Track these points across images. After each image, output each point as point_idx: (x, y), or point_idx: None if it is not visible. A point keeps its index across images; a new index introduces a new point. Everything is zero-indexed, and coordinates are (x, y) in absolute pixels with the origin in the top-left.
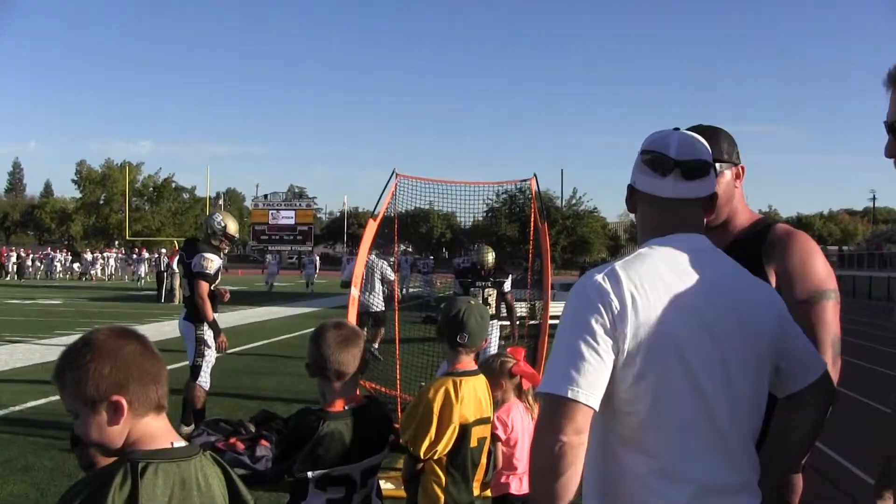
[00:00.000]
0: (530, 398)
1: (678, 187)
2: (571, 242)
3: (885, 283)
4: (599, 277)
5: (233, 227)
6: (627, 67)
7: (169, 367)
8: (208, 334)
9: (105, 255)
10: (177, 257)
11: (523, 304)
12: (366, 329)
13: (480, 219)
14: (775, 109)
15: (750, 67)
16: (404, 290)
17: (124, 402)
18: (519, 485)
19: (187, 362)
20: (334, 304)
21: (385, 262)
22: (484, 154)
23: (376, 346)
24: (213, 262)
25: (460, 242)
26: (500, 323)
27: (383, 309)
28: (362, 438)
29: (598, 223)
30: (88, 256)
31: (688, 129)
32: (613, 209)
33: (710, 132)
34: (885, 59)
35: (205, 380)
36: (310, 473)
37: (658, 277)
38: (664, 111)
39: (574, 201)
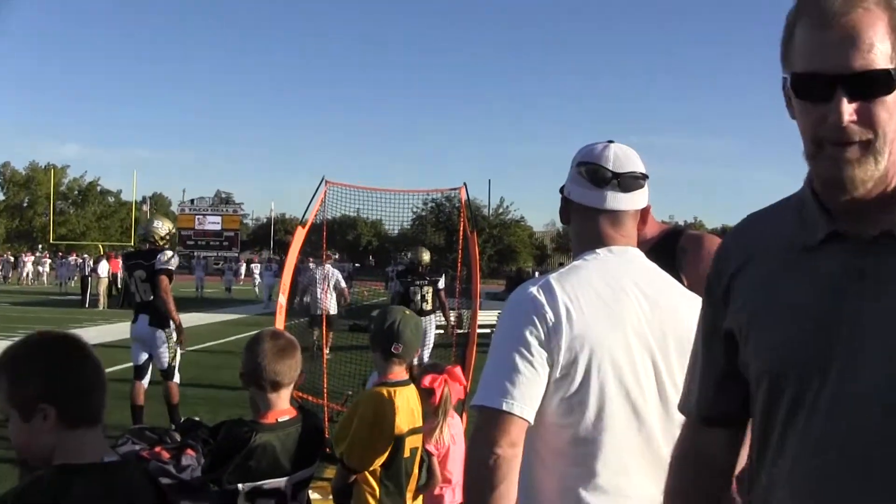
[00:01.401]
0: (449, 410)
1: (615, 199)
2: (498, 251)
3: None
4: (534, 290)
5: (171, 227)
6: (555, 77)
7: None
8: (174, 334)
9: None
10: (120, 267)
11: (452, 312)
12: (316, 330)
13: (408, 227)
14: (701, 121)
15: (680, 80)
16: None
17: (53, 411)
18: (452, 496)
19: (124, 366)
20: (261, 311)
21: (338, 272)
22: (412, 163)
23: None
24: (174, 258)
25: (387, 250)
26: (436, 318)
27: (334, 312)
28: (294, 451)
29: (525, 232)
30: (12, 259)
31: None
32: (540, 218)
33: None
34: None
35: (177, 378)
36: (240, 486)
37: (593, 290)
38: (593, 122)
39: (501, 210)
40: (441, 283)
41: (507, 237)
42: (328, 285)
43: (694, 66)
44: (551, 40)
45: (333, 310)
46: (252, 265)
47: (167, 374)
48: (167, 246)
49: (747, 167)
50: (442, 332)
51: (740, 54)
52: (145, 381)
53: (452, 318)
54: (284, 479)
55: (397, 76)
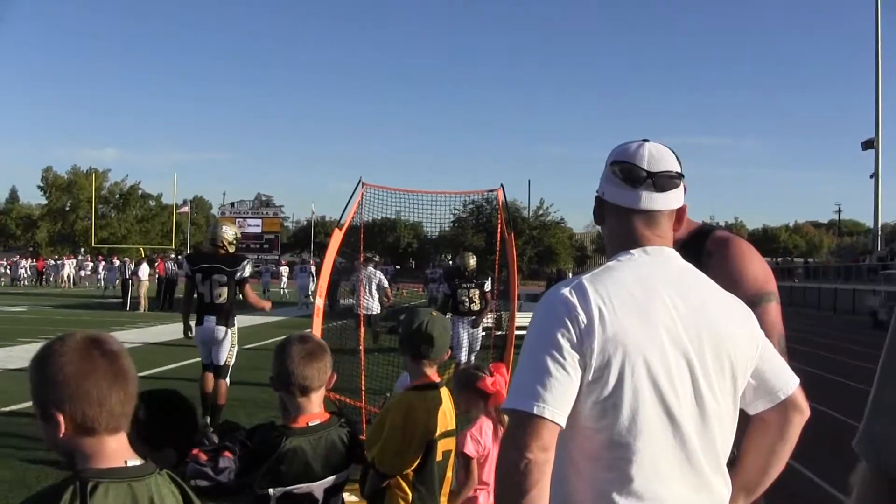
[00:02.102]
0: (496, 413)
1: (650, 199)
2: (538, 253)
3: (851, 295)
4: (566, 291)
5: (237, 232)
6: (594, 80)
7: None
8: (236, 337)
9: (68, 262)
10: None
11: (490, 314)
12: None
13: (447, 229)
14: (742, 122)
15: (715, 80)
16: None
17: (62, 418)
18: (487, 498)
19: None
20: (298, 314)
21: (381, 273)
22: (451, 164)
23: (376, 335)
24: (250, 265)
25: (427, 252)
26: (485, 319)
27: (378, 312)
28: (325, 456)
29: (565, 234)
30: (52, 262)
31: None
32: (580, 220)
33: None
34: (853, 72)
35: (228, 379)
36: (271, 490)
37: (626, 291)
38: (631, 124)
39: (541, 212)
40: (487, 286)
41: (547, 238)
42: (372, 286)
43: (733, 68)
44: (591, 40)
45: (376, 310)
46: (280, 267)
47: (221, 371)
48: (234, 250)
49: (786, 167)
50: (484, 333)
51: (781, 54)
52: (227, 379)
53: (490, 321)
54: (315, 483)
55: (437, 77)
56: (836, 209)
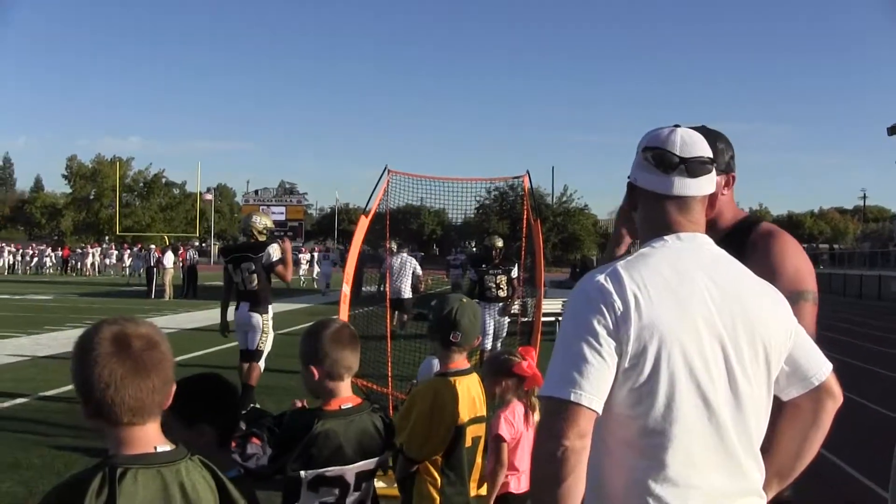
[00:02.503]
0: (533, 399)
1: (683, 185)
2: (562, 239)
3: (877, 282)
4: (601, 278)
5: (269, 223)
6: (617, 67)
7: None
8: (270, 323)
9: (93, 250)
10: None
11: (517, 301)
12: (396, 313)
13: (471, 216)
14: (766, 108)
15: (739, 65)
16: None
17: (91, 405)
18: (518, 484)
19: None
20: (323, 301)
21: (415, 260)
22: (474, 151)
23: (405, 322)
24: (278, 250)
25: (451, 239)
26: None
27: (410, 297)
28: (358, 440)
29: (589, 220)
30: (78, 251)
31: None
32: (604, 207)
33: (709, 139)
34: (879, 58)
35: (262, 363)
36: (302, 473)
37: (661, 278)
38: (653, 110)
39: (565, 198)
40: (515, 272)
41: (571, 225)
42: (406, 272)
43: (756, 53)
44: (618, 28)
45: (407, 294)
46: (300, 255)
47: (254, 355)
48: (264, 239)
49: (811, 153)
50: (510, 320)
51: (807, 39)
52: (261, 363)
53: (517, 307)
54: (347, 467)
55: (460, 66)
56: (861, 195)
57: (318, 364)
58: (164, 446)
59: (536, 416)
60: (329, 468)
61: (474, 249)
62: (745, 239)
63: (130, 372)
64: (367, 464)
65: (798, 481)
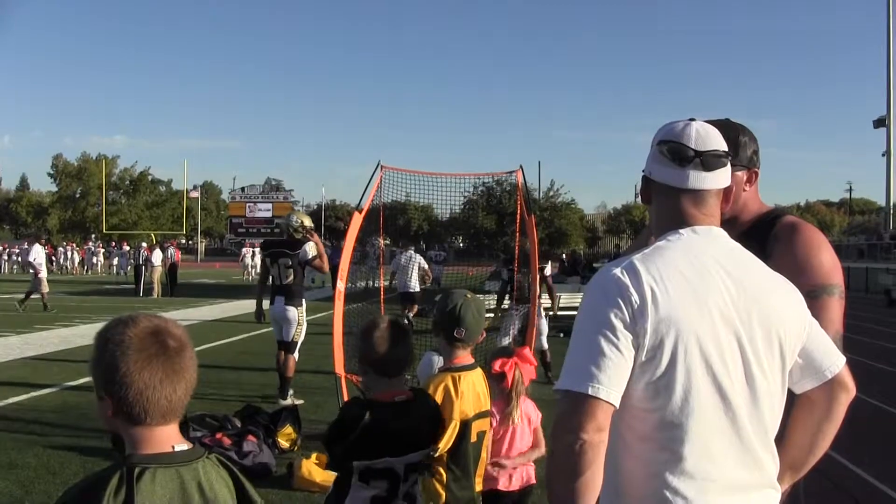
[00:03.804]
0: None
1: (698, 178)
2: (549, 234)
3: (864, 274)
4: (618, 271)
5: (308, 221)
6: (604, 61)
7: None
8: (304, 315)
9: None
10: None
11: (507, 297)
12: (406, 307)
13: (458, 211)
14: (751, 102)
15: (724, 60)
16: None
17: (110, 403)
18: (507, 481)
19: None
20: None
21: (421, 256)
22: (460, 147)
23: (412, 315)
24: (313, 248)
25: (438, 235)
26: (543, 305)
27: (418, 290)
28: (407, 432)
29: (576, 215)
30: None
31: (708, 122)
32: (590, 201)
33: (731, 133)
34: (864, 50)
35: (297, 354)
36: (354, 463)
37: (677, 271)
38: (641, 105)
39: (552, 193)
40: (547, 270)
41: (558, 220)
42: (414, 268)
43: (744, 48)
44: (598, 26)
45: (416, 287)
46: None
47: (289, 347)
48: (300, 236)
49: (797, 147)
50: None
51: (792, 33)
52: (295, 354)
53: (506, 303)
54: (397, 458)
55: (444, 62)
56: (847, 188)
57: (371, 362)
58: (182, 445)
59: (528, 409)
60: (378, 459)
61: (461, 245)
62: (767, 232)
63: (168, 374)
64: (415, 456)
65: (806, 478)
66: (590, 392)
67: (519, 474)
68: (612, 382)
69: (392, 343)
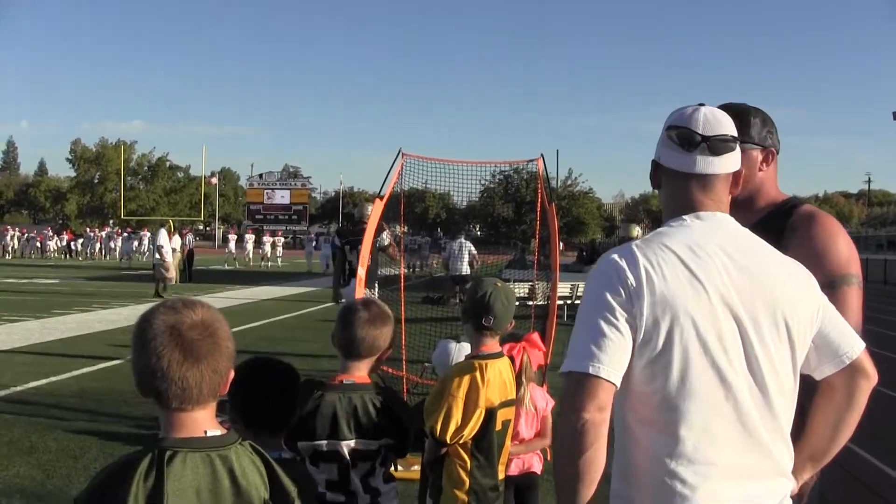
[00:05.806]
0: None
1: (706, 163)
2: (567, 223)
3: (882, 266)
4: (615, 256)
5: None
6: (622, 50)
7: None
8: (376, 296)
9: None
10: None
11: (525, 284)
12: (458, 288)
13: (476, 199)
14: (770, 90)
15: (744, 48)
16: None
17: (142, 387)
18: (540, 464)
19: None
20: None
21: (470, 242)
22: (479, 135)
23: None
24: (388, 236)
25: (455, 222)
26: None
27: (469, 272)
28: (353, 416)
29: (594, 204)
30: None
31: (721, 106)
32: (608, 190)
33: (743, 113)
34: (884, 40)
35: None
36: (300, 444)
37: (675, 255)
38: (658, 93)
39: (569, 182)
40: None
41: (576, 209)
42: (464, 253)
43: (762, 35)
44: (620, 18)
45: (466, 270)
46: (305, 238)
47: None
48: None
49: (816, 137)
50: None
51: (812, 22)
52: None
53: (525, 291)
54: (342, 442)
55: (461, 49)
56: (866, 179)
57: (340, 343)
58: (215, 430)
59: (536, 395)
60: (324, 441)
61: (479, 234)
62: (784, 222)
63: (177, 361)
64: (365, 444)
65: (825, 470)
66: (591, 371)
67: (520, 460)
68: (612, 362)
69: (362, 325)
